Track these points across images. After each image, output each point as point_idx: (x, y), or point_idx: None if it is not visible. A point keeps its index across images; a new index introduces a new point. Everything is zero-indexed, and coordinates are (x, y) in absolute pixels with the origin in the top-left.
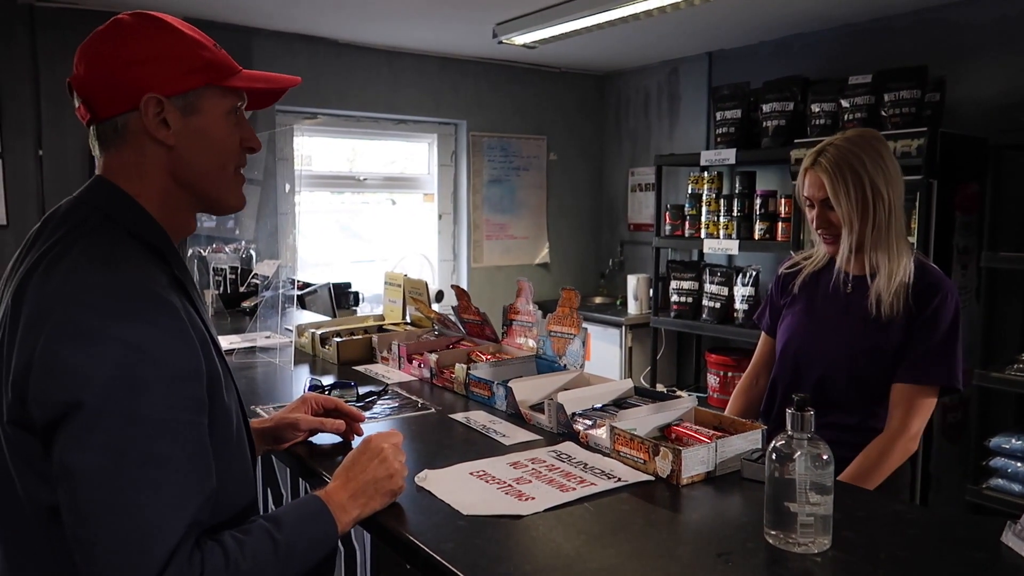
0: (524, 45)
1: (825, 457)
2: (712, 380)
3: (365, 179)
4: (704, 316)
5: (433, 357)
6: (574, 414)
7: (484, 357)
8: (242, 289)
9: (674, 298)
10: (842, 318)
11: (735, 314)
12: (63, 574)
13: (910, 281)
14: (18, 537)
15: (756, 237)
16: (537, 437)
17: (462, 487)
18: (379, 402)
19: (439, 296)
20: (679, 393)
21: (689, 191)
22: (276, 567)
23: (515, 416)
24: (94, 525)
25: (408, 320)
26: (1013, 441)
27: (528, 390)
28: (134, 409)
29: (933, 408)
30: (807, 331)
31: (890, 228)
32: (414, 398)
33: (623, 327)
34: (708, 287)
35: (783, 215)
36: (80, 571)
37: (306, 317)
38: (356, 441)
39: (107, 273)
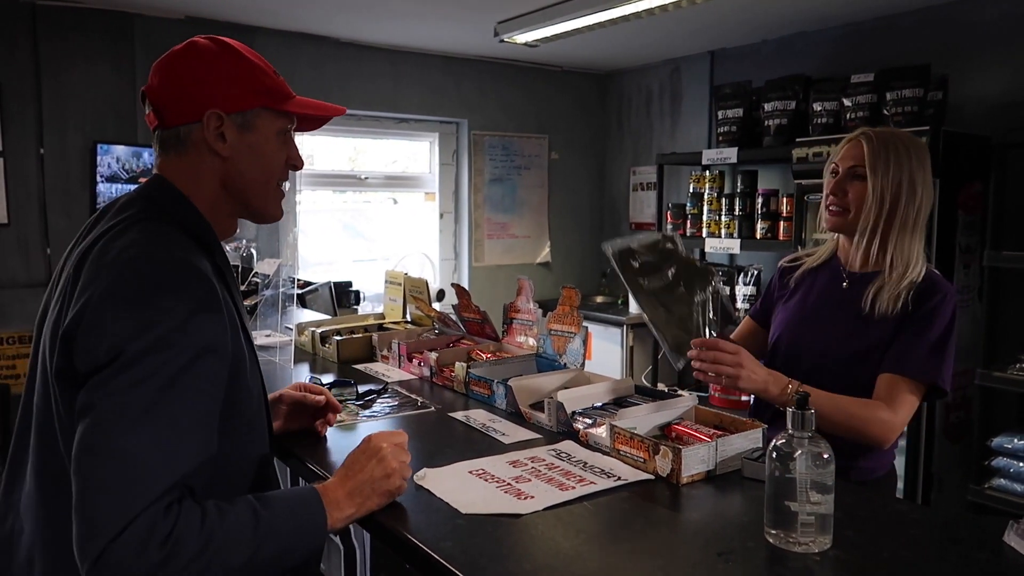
0: (526, 44)
1: (826, 456)
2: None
3: (367, 178)
4: None
5: (433, 355)
6: (574, 413)
7: (484, 356)
8: (243, 288)
9: None
10: (835, 314)
11: (737, 313)
12: None
13: (917, 282)
14: (56, 492)
15: (758, 236)
16: (537, 436)
17: (461, 486)
18: (379, 400)
19: (440, 295)
20: (681, 392)
21: (691, 190)
22: (252, 542)
23: (515, 415)
24: (90, 462)
25: (408, 319)
26: (1015, 441)
27: (528, 389)
28: (156, 367)
29: (916, 407)
30: (798, 326)
31: (914, 231)
32: (414, 396)
33: (624, 326)
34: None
35: (785, 214)
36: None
37: (307, 316)
38: (353, 438)
39: (159, 250)
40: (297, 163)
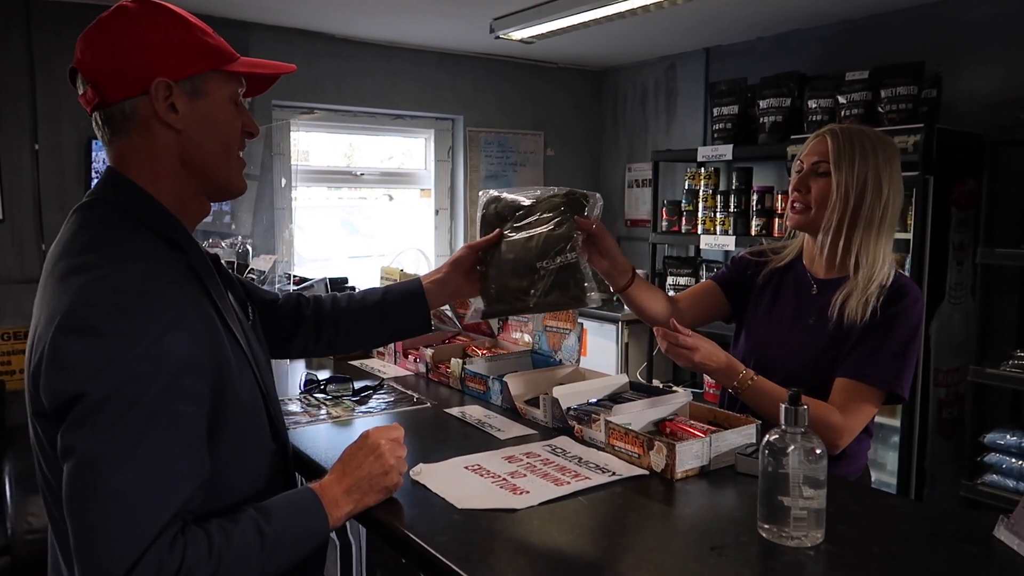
0: (521, 40)
1: (818, 451)
2: (708, 376)
3: (362, 174)
4: None
5: (429, 352)
6: (569, 409)
7: (480, 352)
8: None
9: (670, 294)
10: (807, 325)
11: None
12: None
13: (885, 292)
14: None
15: (752, 233)
16: (532, 431)
17: (457, 481)
18: (375, 396)
19: None
20: (675, 389)
21: (686, 187)
22: (260, 558)
23: (510, 411)
24: (83, 506)
25: None
26: (1008, 437)
27: (523, 385)
28: (132, 400)
29: (872, 415)
30: (770, 338)
31: (880, 230)
32: (410, 393)
33: (619, 323)
34: None
35: (780, 211)
36: (71, 550)
37: None
38: (349, 434)
39: (114, 270)
40: (253, 130)
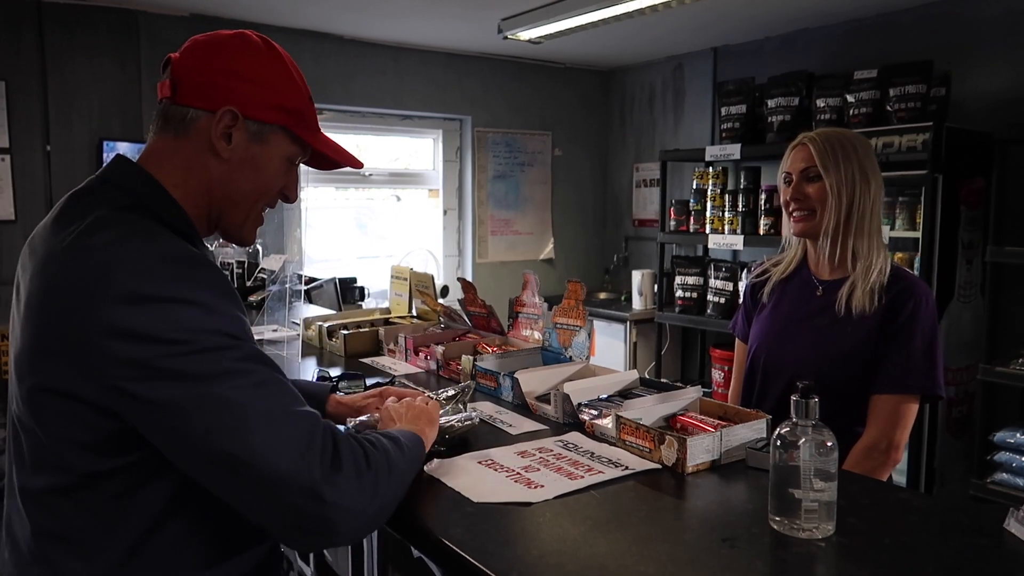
0: (529, 41)
1: (829, 444)
2: (716, 375)
3: (370, 175)
4: (709, 311)
5: (440, 349)
6: (580, 404)
7: (490, 349)
8: (249, 283)
9: (679, 293)
10: (813, 323)
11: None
12: (85, 535)
13: (885, 281)
14: (50, 505)
15: (761, 232)
16: (544, 427)
17: (471, 475)
18: None
19: (444, 291)
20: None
21: (694, 186)
22: (410, 469)
23: (521, 407)
24: (241, 443)
25: (414, 313)
26: (1018, 435)
27: (534, 381)
28: (230, 345)
29: (915, 416)
30: (776, 337)
31: (873, 223)
32: (421, 389)
33: (627, 322)
34: (713, 282)
35: None
36: (241, 493)
37: (312, 311)
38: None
39: (148, 243)
40: (291, 196)
